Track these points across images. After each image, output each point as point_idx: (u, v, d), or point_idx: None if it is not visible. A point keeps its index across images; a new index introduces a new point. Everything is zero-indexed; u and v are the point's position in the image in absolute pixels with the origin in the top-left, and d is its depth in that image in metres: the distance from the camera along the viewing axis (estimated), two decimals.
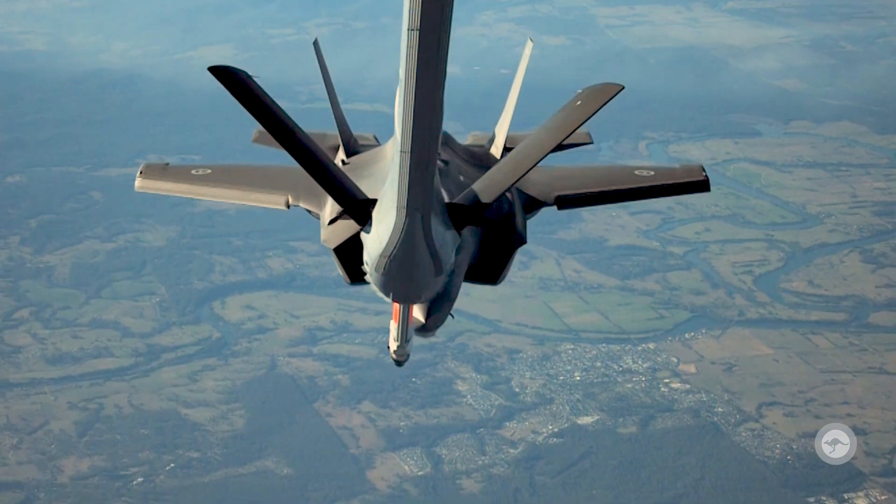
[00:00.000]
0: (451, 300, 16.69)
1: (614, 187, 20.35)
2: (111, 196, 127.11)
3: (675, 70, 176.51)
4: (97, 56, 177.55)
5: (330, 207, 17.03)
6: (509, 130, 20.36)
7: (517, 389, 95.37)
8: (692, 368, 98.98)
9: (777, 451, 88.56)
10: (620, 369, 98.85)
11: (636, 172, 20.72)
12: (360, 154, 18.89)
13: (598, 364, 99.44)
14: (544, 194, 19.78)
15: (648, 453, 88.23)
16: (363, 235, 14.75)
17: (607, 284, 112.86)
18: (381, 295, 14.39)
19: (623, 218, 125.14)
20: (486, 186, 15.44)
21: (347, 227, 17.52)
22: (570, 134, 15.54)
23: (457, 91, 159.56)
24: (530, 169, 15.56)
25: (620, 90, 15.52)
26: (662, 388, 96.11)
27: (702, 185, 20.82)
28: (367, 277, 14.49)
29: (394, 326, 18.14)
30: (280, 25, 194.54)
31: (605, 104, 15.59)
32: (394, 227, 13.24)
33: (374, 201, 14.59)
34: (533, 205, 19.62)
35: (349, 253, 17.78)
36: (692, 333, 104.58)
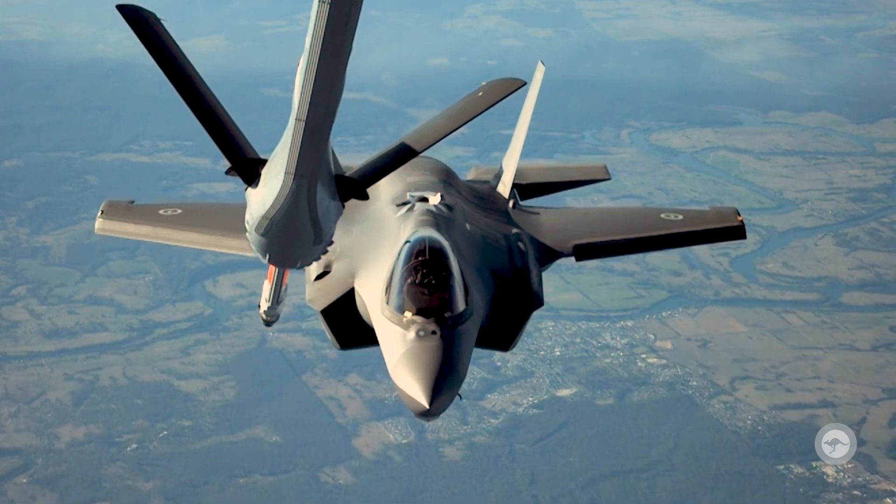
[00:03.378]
0: (461, 378, 15.41)
1: (639, 234, 18.79)
2: (105, 179, 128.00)
3: (658, 61, 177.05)
4: (92, 46, 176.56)
5: (315, 263, 15.70)
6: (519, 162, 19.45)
7: (499, 364, 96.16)
8: (668, 345, 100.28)
9: (749, 421, 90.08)
10: (599, 345, 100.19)
11: (662, 216, 19.22)
12: None
13: (578, 340, 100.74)
14: (560, 243, 18.31)
15: (624, 424, 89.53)
16: (248, 193, 14.14)
17: (588, 265, 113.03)
18: (258, 255, 14.07)
19: (605, 203, 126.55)
20: (368, 170, 15.09)
21: (336, 285, 16.63)
22: (467, 122, 15.40)
23: (444, 82, 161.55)
24: (417, 154, 15.27)
25: (521, 86, 15.94)
26: (639, 363, 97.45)
27: (737, 232, 19.29)
28: (246, 236, 13.95)
29: (267, 287, 18.27)
30: (272, 17, 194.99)
31: (504, 97, 15.79)
32: (279, 191, 12.90)
33: (263, 161, 14.04)
34: (548, 256, 18.22)
35: (339, 315, 16.95)
36: (669, 312, 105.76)
